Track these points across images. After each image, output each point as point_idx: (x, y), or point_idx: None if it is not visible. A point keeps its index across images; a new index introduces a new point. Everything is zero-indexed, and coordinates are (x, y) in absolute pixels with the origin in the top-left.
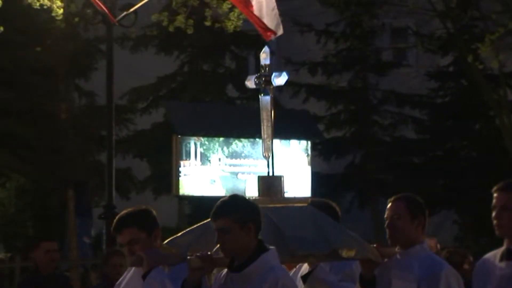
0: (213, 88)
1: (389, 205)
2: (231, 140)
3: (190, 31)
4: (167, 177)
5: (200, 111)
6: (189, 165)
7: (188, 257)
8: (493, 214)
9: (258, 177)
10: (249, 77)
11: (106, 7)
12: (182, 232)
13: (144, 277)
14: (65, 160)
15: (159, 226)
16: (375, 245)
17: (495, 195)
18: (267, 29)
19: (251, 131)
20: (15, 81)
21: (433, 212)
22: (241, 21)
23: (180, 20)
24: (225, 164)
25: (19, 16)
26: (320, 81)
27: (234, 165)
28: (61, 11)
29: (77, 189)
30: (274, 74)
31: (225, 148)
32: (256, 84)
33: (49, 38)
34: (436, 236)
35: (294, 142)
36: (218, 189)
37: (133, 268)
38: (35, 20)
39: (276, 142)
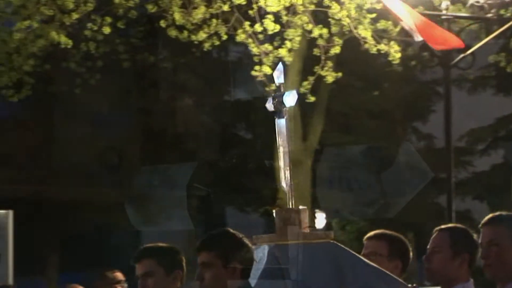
0: None
1: (433, 235)
2: None
3: None
4: None
5: None
6: None
7: None
8: (480, 253)
9: (275, 210)
10: (268, 99)
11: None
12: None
13: None
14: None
15: (184, 269)
16: (414, 285)
17: (481, 231)
18: None
19: None
20: (353, 125)
21: None
22: None
23: None
24: None
25: (357, 61)
26: None
27: None
28: (399, 55)
29: (417, 232)
30: (285, 93)
31: None
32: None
33: (385, 82)
34: None
35: None
36: None
37: None
38: (372, 64)
39: None
